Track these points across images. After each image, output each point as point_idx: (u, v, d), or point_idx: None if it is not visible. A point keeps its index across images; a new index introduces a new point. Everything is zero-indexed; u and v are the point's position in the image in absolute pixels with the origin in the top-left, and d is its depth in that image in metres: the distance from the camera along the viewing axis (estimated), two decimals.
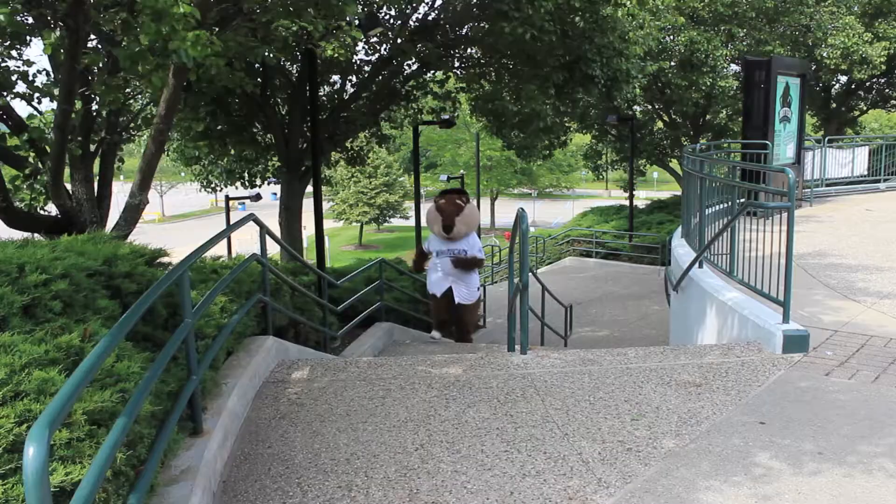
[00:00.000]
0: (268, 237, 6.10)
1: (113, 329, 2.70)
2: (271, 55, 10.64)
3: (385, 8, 14.26)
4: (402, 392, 5.02)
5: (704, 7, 19.57)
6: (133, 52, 5.36)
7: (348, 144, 17.63)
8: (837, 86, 29.15)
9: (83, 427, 2.64)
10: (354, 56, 14.67)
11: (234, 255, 15.84)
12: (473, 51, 15.92)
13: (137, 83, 7.88)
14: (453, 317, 9.64)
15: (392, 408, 4.74)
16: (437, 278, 9.38)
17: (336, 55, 7.84)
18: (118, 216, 7.43)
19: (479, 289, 10.01)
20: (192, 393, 3.78)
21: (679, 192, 20.68)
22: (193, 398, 3.85)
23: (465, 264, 9.26)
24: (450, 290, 9.29)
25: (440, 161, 64.70)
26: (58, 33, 6.15)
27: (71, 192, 7.76)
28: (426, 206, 10.92)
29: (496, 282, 24.16)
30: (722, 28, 24.08)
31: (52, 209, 7.83)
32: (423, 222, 10.69)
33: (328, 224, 49.28)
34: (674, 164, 31.34)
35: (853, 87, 28.42)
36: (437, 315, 9.84)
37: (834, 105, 29.49)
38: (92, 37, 7.88)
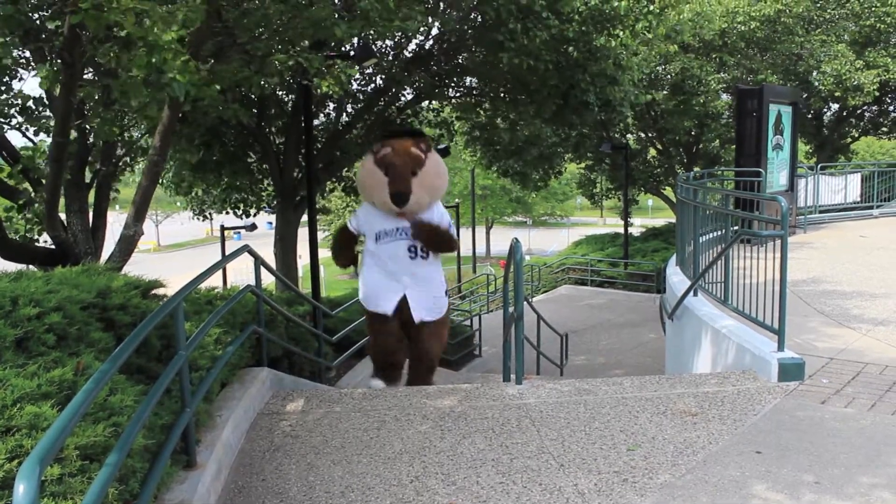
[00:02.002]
0: (262, 268, 6.10)
1: (105, 363, 2.69)
2: (266, 84, 10.74)
3: (380, 40, 14.39)
4: (398, 423, 5.00)
5: (694, 36, 19.82)
6: (127, 84, 5.39)
7: (344, 173, 17.70)
8: (829, 113, 29.39)
9: (75, 462, 2.62)
10: (350, 86, 14.77)
11: (229, 284, 15.82)
12: (469, 80, 16.04)
13: (133, 115, 7.93)
14: (411, 348, 6.46)
15: (387, 439, 4.71)
16: (380, 282, 6.12)
17: (331, 91, 7.91)
18: (113, 246, 7.45)
19: (446, 294, 6.51)
20: (185, 425, 3.75)
21: (673, 219, 20.79)
22: (187, 431, 3.82)
23: (432, 237, 6.08)
24: (403, 302, 6.13)
25: None
26: (54, 67, 6.19)
27: (66, 223, 7.78)
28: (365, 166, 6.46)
29: (492, 311, 24.13)
30: (713, 56, 24.31)
31: (46, 239, 7.84)
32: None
33: (323, 253, 49.21)
34: (668, 191, 31.46)
35: (845, 114, 28.66)
36: (383, 350, 6.49)
37: (826, 132, 29.71)
38: (87, 69, 7.93)
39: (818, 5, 24.15)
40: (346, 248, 6.51)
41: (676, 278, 8.83)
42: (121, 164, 9.46)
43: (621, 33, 12.67)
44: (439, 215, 6.10)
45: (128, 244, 7.34)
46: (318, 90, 8.43)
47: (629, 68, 13.89)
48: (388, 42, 14.81)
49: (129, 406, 3.18)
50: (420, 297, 6.05)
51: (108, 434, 2.84)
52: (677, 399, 5.27)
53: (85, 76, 7.67)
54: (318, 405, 5.49)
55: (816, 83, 24.19)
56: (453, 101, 16.65)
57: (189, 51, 5.91)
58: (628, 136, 27.89)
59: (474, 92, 16.14)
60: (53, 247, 7.54)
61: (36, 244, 8.09)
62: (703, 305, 7.26)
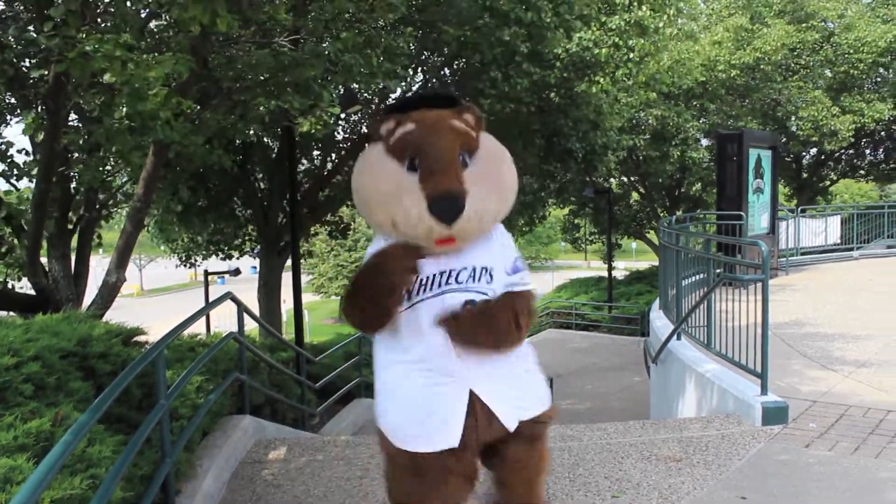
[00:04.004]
0: (245, 315, 6.07)
1: (84, 414, 2.67)
2: (250, 132, 10.81)
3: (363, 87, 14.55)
4: (381, 472, 4.94)
5: (673, 85, 20.22)
6: (112, 131, 5.42)
7: (330, 217, 17.73)
8: (808, 157, 29.88)
9: None
10: (334, 133, 14.89)
11: (213, 329, 15.74)
12: None
13: (117, 161, 7.95)
14: (498, 490, 3.08)
15: (370, 488, 4.66)
16: (423, 387, 2.67)
17: (313, 131, 7.96)
18: (96, 292, 7.40)
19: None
20: (165, 476, 3.71)
21: (657, 263, 20.95)
22: (167, 481, 3.78)
23: (498, 336, 2.66)
24: (473, 411, 2.67)
25: None
26: (38, 114, 6.21)
27: (47, 269, 7.73)
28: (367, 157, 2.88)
29: None
30: (694, 103, 24.72)
31: (25, 285, 7.79)
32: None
33: (308, 297, 49.06)
34: (651, 235, 31.72)
35: (823, 157, 29.14)
36: None
37: (805, 175, 30.17)
38: (72, 116, 7.97)
39: (795, 53, 24.67)
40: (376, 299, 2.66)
41: (660, 322, 8.85)
42: (104, 209, 9.44)
43: (602, 80, 12.87)
44: (501, 247, 2.77)
45: (110, 291, 7.30)
46: (301, 129, 8.50)
47: (610, 114, 14.09)
48: (372, 88, 14.97)
49: (107, 457, 3.14)
50: (503, 386, 2.73)
51: (85, 487, 2.80)
52: (661, 444, 5.26)
53: (70, 122, 7.70)
54: (300, 453, 5.43)
55: (794, 128, 24.65)
56: None
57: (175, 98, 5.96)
58: (611, 180, 28.20)
59: None
60: (34, 293, 7.49)
61: (16, 291, 8.03)
62: (686, 349, 7.27)
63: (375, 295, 2.58)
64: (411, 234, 2.53)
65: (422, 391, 2.64)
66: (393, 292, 2.56)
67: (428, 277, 2.63)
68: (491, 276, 2.67)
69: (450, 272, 2.64)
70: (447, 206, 2.45)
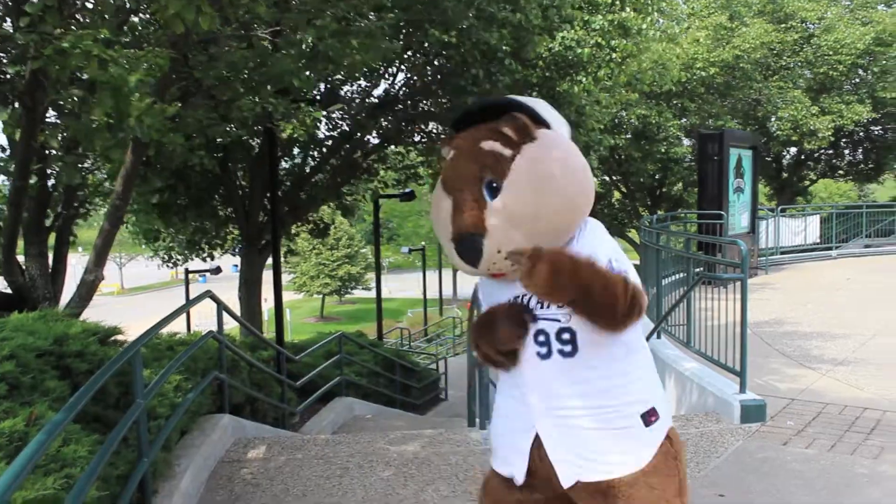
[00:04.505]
0: (226, 313, 6.04)
1: (59, 413, 2.64)
2: (232, 129, 10.75)
3: (346, 85, 14.49)
4: (360, 471, 4.93)
5: (654, 84, 20.33)
6: (90, 128, 5.36)
7: (311, 216, 17.66)
8: (788, 157, 30.11)
9: None
10: (316, 131, 14.83)
11: (193, 328, 15.62)
12: (434, 125, 16.19)
13: (96, 159, 7.87)
14: None
15: (349, 487, 4.65)
16: (507, 413, 2.47)
17: (296, 134, 7.92)
18: (74, 290, 7.33)
19: (653, 415, 2.34)
20: (142, 476, 3.68)
21: (639, 261, 21.02)
22: (144, 481, 3.75)
23: (558, 284, 2.06)
24: (537, 450, 2.34)
25: (401, 232, 65.01)
26: (15, 111, 6.14)
27: (24, 267, 7.64)
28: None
29: (458, 354, 24.07)
30: (674, 102, 24.84)
31: (2, 283, 7.69)
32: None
33: (290, 296, 48.90)
34: (633, 233, 31.84)
35: (803, 157, 29.37)
36: None
37: (785, 175, 30.40)
38: (49, 113, 7.89)
39: (775, 52, 24.85)
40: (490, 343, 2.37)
41: None
42: (82, 207, 9.35)
43: (584, 79, 12.89)
44: (592, 247, 2.31)
45: (88, 289, 7.22)
46: (283, 133, 8.44)
47: (591, 115, 14.11)
48: (353, 87, 14.93)
49: (82, 457, 3.11)
50: (564, 431, 2.32)
51: (59, 487, 2.77)
52: None
53: (48, 119, 7.62)
54: (279, 452, 5.41)
55: (774, 128, 24.83)
56: (419, 145, 16.77)
57: (155, 96, 5.91)
58: (593, 179, 28.22)
59: (441, 136, 16.27)
60: (10, 292, 7.40)
61: None
62: (666, 348, 7.31)
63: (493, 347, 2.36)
64: (465, 269, 2.33)
65: (504, 412, 2.47)
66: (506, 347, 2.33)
67: (508, 303, 2.36)
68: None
69: (521, 297, 2.33)
70: (465, 248, 2.23)
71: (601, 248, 2.27)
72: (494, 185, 2.19)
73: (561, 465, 2.29)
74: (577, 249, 2.23)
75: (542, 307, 2.27)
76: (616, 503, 2.29)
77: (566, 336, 2.25)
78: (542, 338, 2.27)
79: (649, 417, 2.31)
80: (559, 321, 2.25)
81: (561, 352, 2.26)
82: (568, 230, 2.28)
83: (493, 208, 2.19)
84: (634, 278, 2.21)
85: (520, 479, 2.36)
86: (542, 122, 2.28)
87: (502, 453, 2.46)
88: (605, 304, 2.10)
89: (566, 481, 2.29)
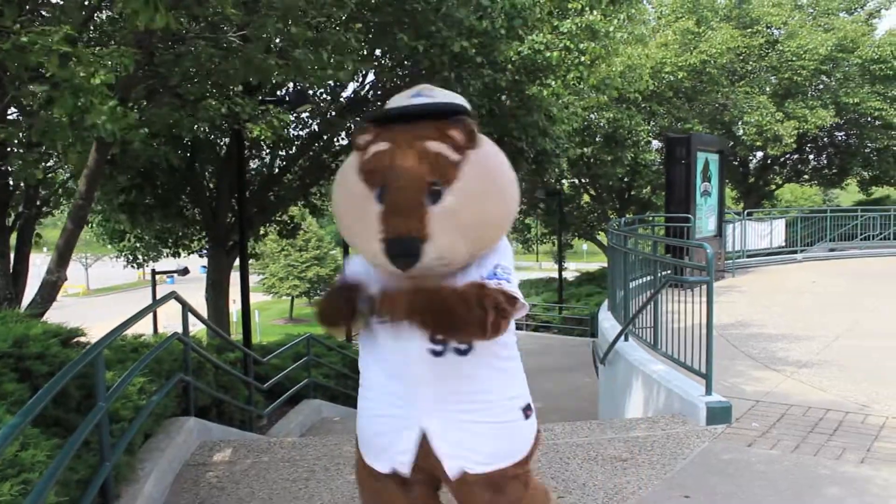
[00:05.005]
0: (191, 315, 5.97)
1: (15, 417, 2.58)
2: (198, 128, 10.63)
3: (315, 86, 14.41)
4: (327, 474, 4.89)
5: (623, 89, 20.51)
6: (51, 126, 5.27)
7: (279, 216, 17.53)
8: (754, 161, 30.51)
9: None
10: (285, 132, 14.73)
11: (160, 329, 15.44)
12: None
13: (58, 157, 7.75)
14: None
15: (315, 490, 4.61)
16: (381, 405, 2.46)
17: (263, 136, 7.85)
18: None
19: (529, 411, 2.53)
20: (104, 480, 3.61)
21: (607, 264, 21.22)
22: (106, 486, 3.69)
23: (443, 318, 2.14)
24: (423, 445, 2.39)
25: None
26: None
27: None
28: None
29: None
30: (643, 105, 25.08)
31: None
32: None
33: (258, 297, 48.56)
34: (601, 236, 32.07)
35: (769, 162, 29.78)
36: None
37: (752, 179, 30.80)
38: (11, 110, 7.75)
39: (741, 58, 25.16)
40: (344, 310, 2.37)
41: (608, 323, 8.94)
42: (45, 207, 9.20)
43: (553, 83, 12.93)
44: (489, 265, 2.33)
45: (50, 290, 7.10)
46: (251, 135, 8.36)
47: (560, 120, 14.17)
48: (323, 88, 14.85)
49: (41, 462, 3.04)
50: (454, 426, 2.38)
51: (16, 493, 2.71)
52: (608, 444, 5.29)
53: (8, 117, 7.49)
54: (245, 455, 5.35)
55: (741, 132, 25.14)
56: None
57: (119, 94, 5.82)
58: (562, 181, 28.46)
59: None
60: None
61: None
62: (633, 350, 7.35)
63: (332, 318, 2.38)
64: (374, 265, 2.29)
65: (378, 404, 2.45)
66: (344, 322, 2.36)
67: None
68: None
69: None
70: (401, 250, 2.13)
71: (493, 254, 2.31)
72: (437, 188, 2.12)
73: (449, 458, 2.36)
74: (494, 258, 2.29)
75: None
76: (500, 492, 2.42)
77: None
78: (439, 335, 2.27)
79: (527, 411, 2.49)
80: None
81: (457, 350, 2.30)
82: (500, 239, 2.34)
83: (437, 213, 2.12)
84: (512, 287, 2.23)
85: (406, 472, 2.41)
86: (468, 131, 2.21)
87: (371, 447, 2.49)
88: (471, 323, 2.12)
89: (453, 473, 2.38)
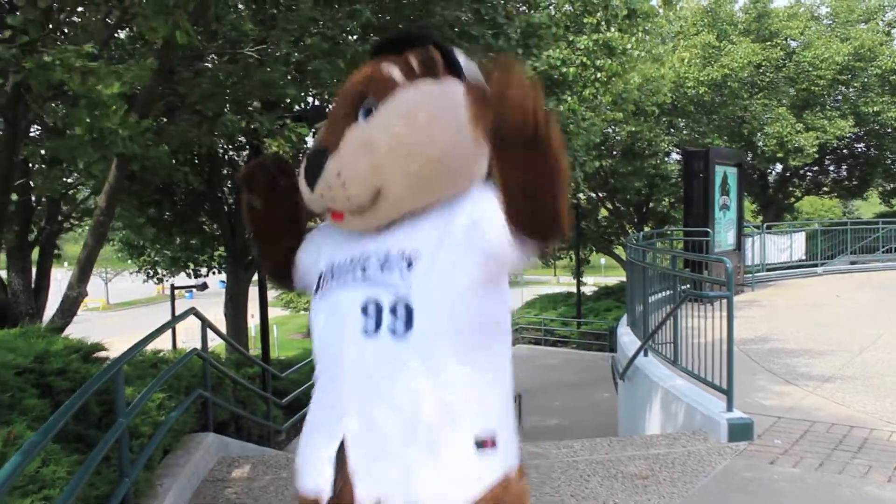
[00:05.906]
0: (210, 330, 5.99)
1: (37, 433, 2.59)
2: (217, 142, 10.67)
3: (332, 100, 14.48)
4: None
5: (640, 103, 20.48)
6: (72, 143, 5.32)
7: None
8: (773, 174, 30.31)
9: None
10: (303, 146, 14.80)
11: (179, 345, 15.53)
12: None
13: (79, 174, 7.82)
14: None
15: None
16: (315, 406, 1.89)
17: (282, 151, 7.89)
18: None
19: (487, 449, 1.75)
20: (123, 496, 3.62)
21: (625, 278, 21.13)
22: (125, 502, 3.69)
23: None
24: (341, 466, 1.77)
25: None
26: None
27: (6, 282, 7.58)
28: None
29: None
30: (663, 119, 25.00)
31: None
32: None
33: (276, 312, 48.68)
34: (619, 250, 31.93)
35: (788, 174, 29.58)
36: None
37: (771, 192, 30.59)
38: (34, 127, 7.84)
39: (760, 70, 25.06)
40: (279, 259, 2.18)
41: (627, 338, 8.88)
42: (66, 222, 9.29)
43: (569, 98, 12.93)
44: (463, 228, 1.75)
45: (71, 305, 7.15)
46: (269, 149, 8.41)
47: (577, 134, 14.16)
48: None
49: (61, 478, 3.05)
50: (376, 442, 1.72)
51: None
52: (628, 461, 5.25)
53: (31, 134, 7.57)
54: (264, 471, 5.35)
55: (760, 144, 25.00)
56: None
57: (139, 112, 5.87)
58: (579, 195, 28.42)
59: None
60: None
61: None
62: (653, 366, 7.30)
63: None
64: (316, 208, 1.93)
65: (315, 405, 1.91)
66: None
67: (340, 263, 1.89)
68: (410, 264, 1.75)
69: (358, 259, 1.85)
70: (308, 164, 1.84)
71: (466, 200, 1.81)
72: (371, 108, 1.85)
73: (360, 480, 1.73)
74: (466, 211, 1.78)
75: (381, 271, 1.79)
76: None
77: (401, 311, 1.73)
78: (371, 308, 1.76)
79: (484, 443, 1.76)
80: (397, 289, 1.75)
81: (392, 329, 1.73)
82: (424, 190, 1.82)
83: (354, 128, 1.84)
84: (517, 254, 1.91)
85: (325, 495, 1.79)
86: (457, 74, 1.90)
87: (303, 462, 1.89)
88: (556, 178, 1.59)
89: (363, 501, 1.73)
